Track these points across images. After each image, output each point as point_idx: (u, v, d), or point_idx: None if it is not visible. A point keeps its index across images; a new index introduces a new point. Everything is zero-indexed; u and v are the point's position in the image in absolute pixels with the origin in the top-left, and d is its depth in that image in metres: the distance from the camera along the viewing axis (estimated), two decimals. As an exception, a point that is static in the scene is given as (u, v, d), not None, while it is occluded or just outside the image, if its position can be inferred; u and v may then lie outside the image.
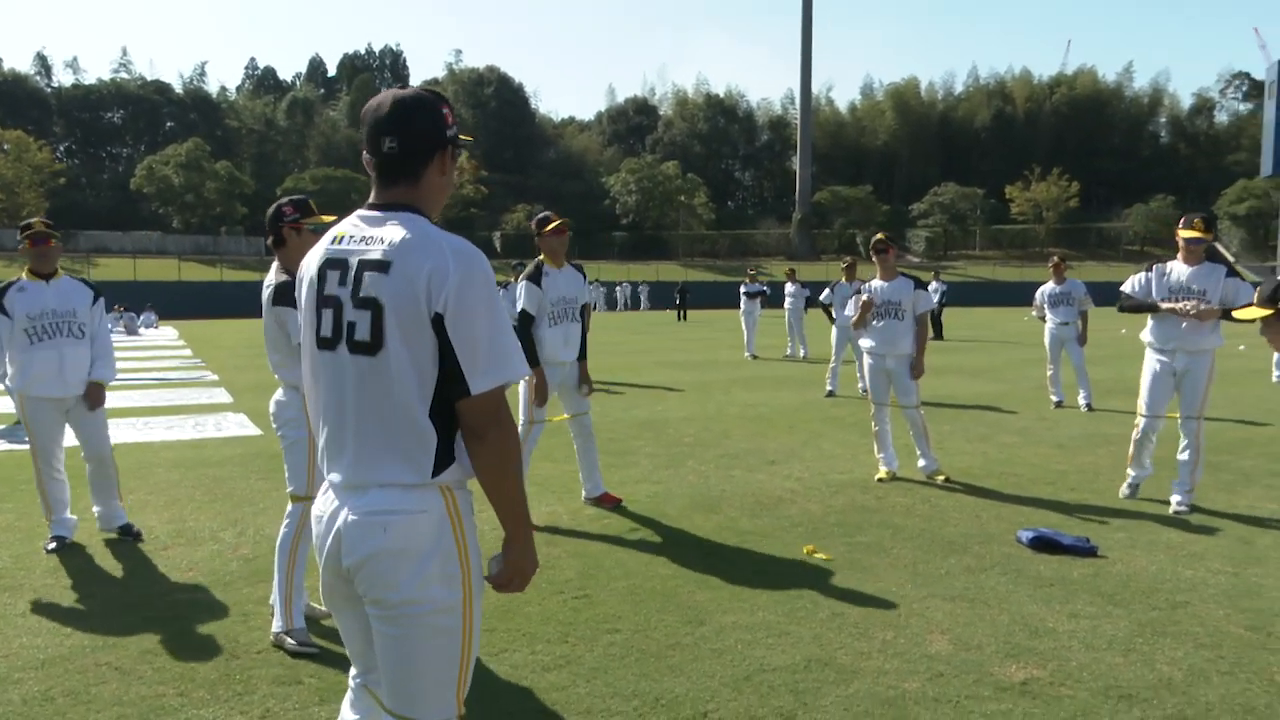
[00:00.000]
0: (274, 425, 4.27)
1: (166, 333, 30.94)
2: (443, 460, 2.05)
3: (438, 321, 1.98)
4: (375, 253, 2.05)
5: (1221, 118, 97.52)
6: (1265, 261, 65.97)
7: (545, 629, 4.26)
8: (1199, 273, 6.52)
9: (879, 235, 7.68)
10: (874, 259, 7.57)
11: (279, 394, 4.25)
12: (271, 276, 4.12)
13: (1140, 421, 6.79)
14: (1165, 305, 6.52)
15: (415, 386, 2.02)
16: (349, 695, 2.40)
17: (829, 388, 12.79)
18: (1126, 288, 6.93)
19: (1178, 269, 6.64)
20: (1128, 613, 4.42)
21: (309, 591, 4.59)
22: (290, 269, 4.13)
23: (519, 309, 6.29)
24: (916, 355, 7.39)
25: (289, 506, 4.24)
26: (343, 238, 2.14)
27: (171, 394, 13.41)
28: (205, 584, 4.93)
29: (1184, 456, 6.51)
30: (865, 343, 7.62)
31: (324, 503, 2.17)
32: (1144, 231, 79.44)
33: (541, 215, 6.49)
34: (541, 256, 6.42)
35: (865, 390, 8.81)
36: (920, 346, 7.42)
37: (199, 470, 7.89)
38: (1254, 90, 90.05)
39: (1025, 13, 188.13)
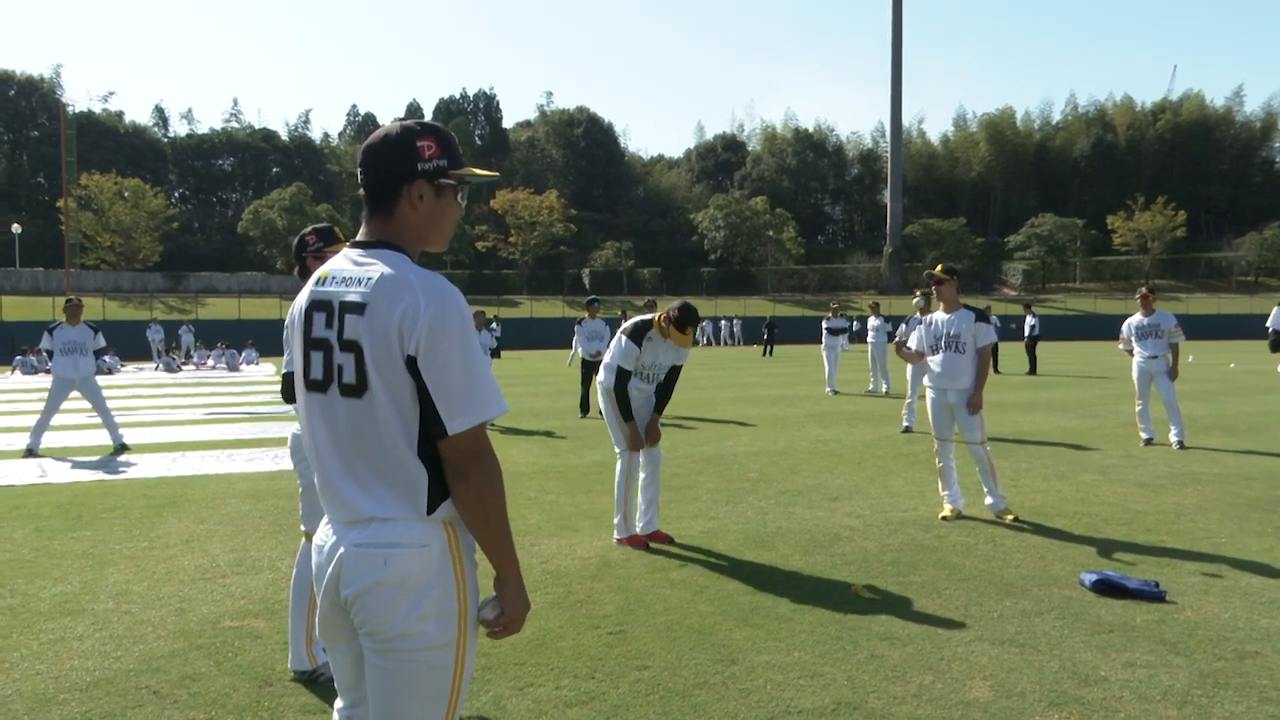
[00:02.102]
0: (292, 461, 4.29)
1: (266, 369, 32.11)
2: (436, 497, 2.06)
3: (411, 363, 1.99)
4: (354, 295, 2.06)
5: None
6: (1392, 291, 62.15)
7: (575, 664, 4.22)
8: None
9: (936, 267, 7.46)
10: (933, 290, 7.39)
11: (296, 428, 4.24)
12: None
13: None
14: None
15: (400, 427, 2.03)
16: None
17: (905, 423, 12.52)
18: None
19: None
20: (1189, 662, 4.16)
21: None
22: None
23: (615, 364, 6.43)
24: (975, 389, 7.12)
25: (303, 544, 4.24)
26: (326, 278, 2.15)
27: (259, 427, 13.88)
28: (256, 611, 5.05)
29: None
30: (926, 378, 7.41)
31: (324, 534, 2.18)
32: (1257, 261, 75.85)
33: (687, 311, 6.35)
34: (654, 317, 6.49)
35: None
36: (980, 381, 7.15)
37: (269, 501, 8.12)
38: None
39: (1126, 39, 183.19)
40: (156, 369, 31.44)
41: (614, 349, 6.51)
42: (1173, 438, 10.86)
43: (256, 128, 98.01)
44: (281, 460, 10.50)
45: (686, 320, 6.34)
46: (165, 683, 4.06)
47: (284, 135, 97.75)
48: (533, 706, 3.79)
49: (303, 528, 4.25)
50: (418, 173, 2.12)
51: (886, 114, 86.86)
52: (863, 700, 3.80)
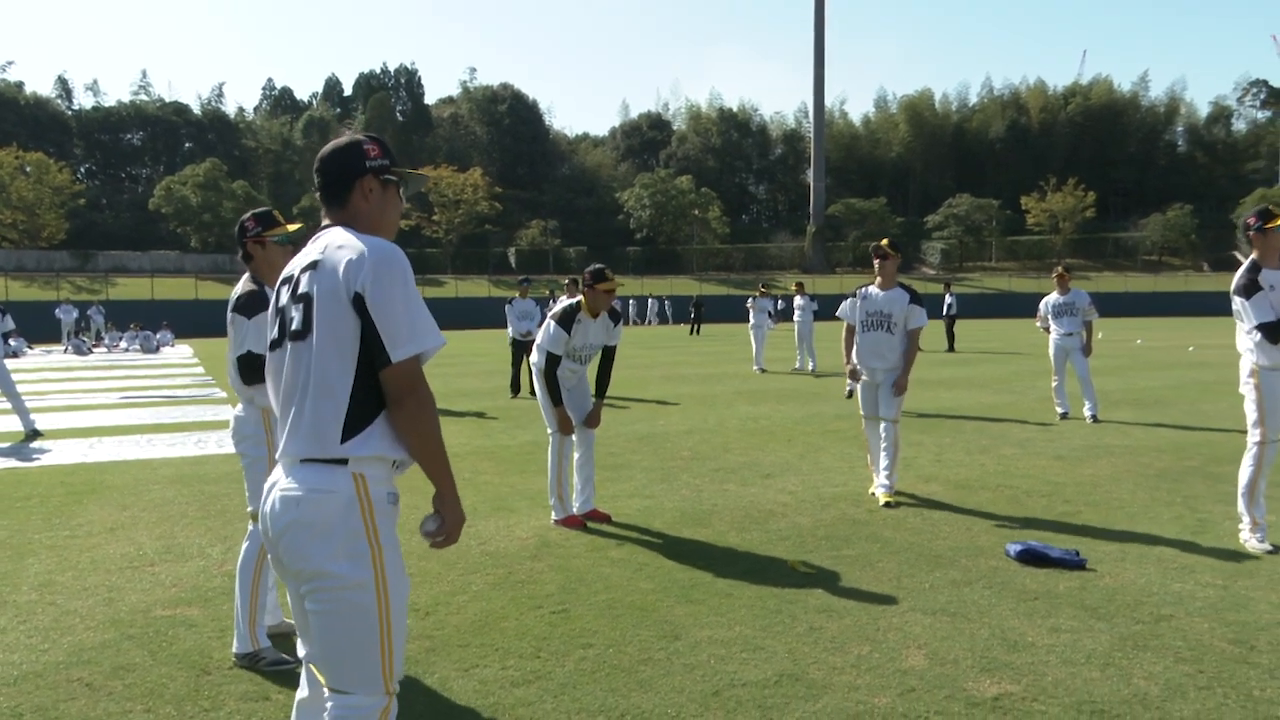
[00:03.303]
0: (233, 442, 4.25)
1: (181, 351, 31.19)
2: (350, 430, 2.30)
3: (358, 301, 2.28)
4: (313, 256, 2.41)
5: (1239, 126, 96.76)
6: (1285, 270, 65.23)
7: (519, 644, 4.24)
8: None
9: (882, 241, 7.35)
10: (875, 264, 7.30)
11: (238, 409, 4.22)
12: (239, 287, 4.16)
13: (1268, 448, 5.76)
14: None
15: (335, 363, 2.31)
16: (304, 670, 2.59)
17: (850, 387, 12.77)
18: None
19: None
20: (1110, 626, 4.36)
21: (284, 608, 4.60)
22: (264, 281, 4.19)
23: (544, 348, 6.41)
24: (903, 371, 7.07)
25: (249, 527, 4.20)
26: (294, 262, 2.50)
27: (178, 411, 13.50)
28: (188, 600, 4.95)
29: None
30: (855, 354, 7.32)
31: (273, 474, 2.46)
32: (1161, 241, 78.86)
33: (596, 269, 6.44)
34: (580, 300, 6.47)
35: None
36: (908, 362, 7.09)
37: (195, 487, 7.92)
38: (1272, 98, 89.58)
39: (1039, 24, 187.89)
40: (66, 351, 30.26)
41: (543, 333, 6.50)
42: (1086, 412, 11.29)
43: (167, 101, 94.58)
44: (205, 445, 10.25)
45: (599, 275, 6.36)
46: (98, 674, 3.95)
47: (196, 109, 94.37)
48: (479, 687, 3.79)
49: (249, 509, 4.21)
50: (366, 169, 2.50)
51: (809, 95, 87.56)
52: (804, 671, 3.90)
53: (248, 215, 4.29)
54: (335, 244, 2.37)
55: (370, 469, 2.33)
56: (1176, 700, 3.58)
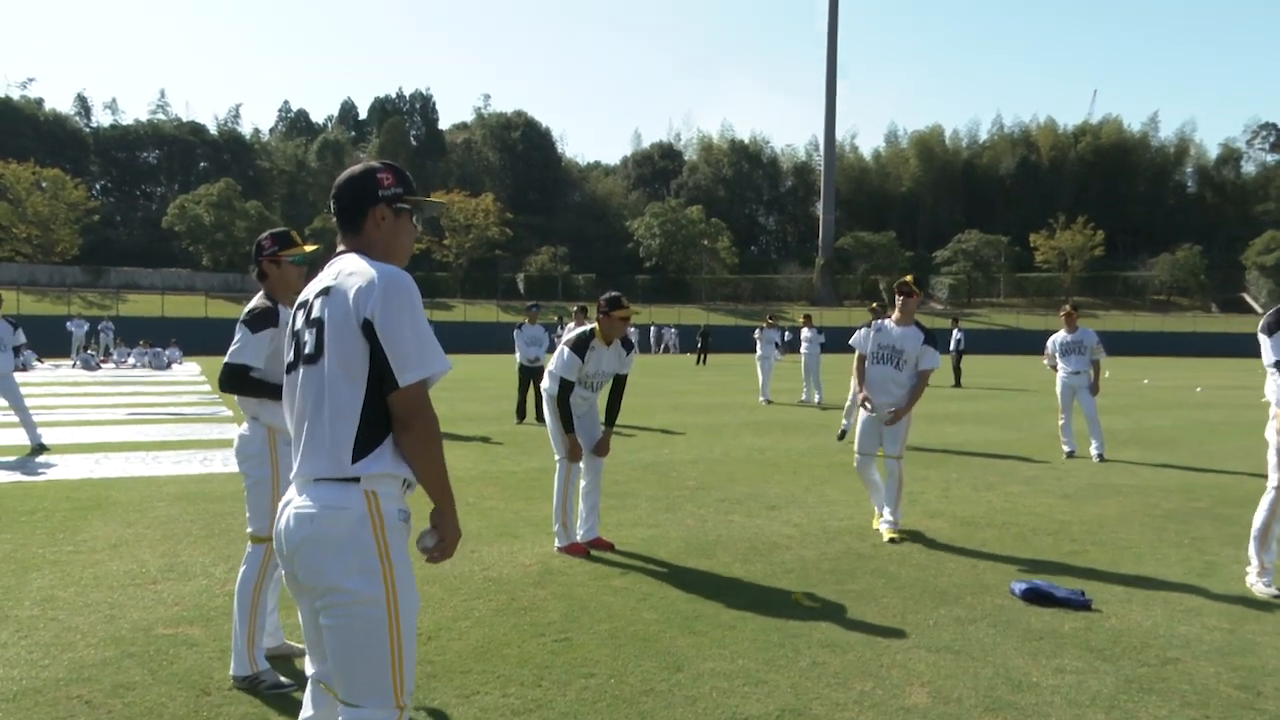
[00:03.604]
0: (237, 461, 4.25)
1: (190, 368, 31.29)
2: (361, 450, 2.36)
3: (367, 326, 2.34)
4: (325, 283, 2.49)
5: (1249, 168, 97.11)
6: (1294, 313, 65.09)
7: (521, 672, 4.22)
8: None
9: (906, 277, 7.30)
10: (896, 299, 7.20)
11: (243, 428, 4.22)
12: (253, 302, 4.22)
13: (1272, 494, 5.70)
14: None
15: (345, 386, 2.37)
16: (309, 690, 2.64)
17: (845, 424, 12.72)
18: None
19: None
20: (1115, 668, 4.33)
21: (285, 629, 4.59)
22: (278, 299, 4.23)
23: (557, 375, 6.42)
24: (907, 405, 7.03)
25: (249, 548, 4.18)
26: (309, 287, 2.57)
27: (184, 428, 13.52)
28: (190, 619, 4.94)
29: None
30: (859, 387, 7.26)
31: (287, 494, 2.51)
32: (1170, 280, 78.83)
33: (612, 296, 6.52)
34: (594, 327, 6.50)
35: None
36: (913, 399, 7.06)
37: (200, 505, 7.93)
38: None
39: (1050, 63, 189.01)
40: (74, 366, 30.39)
41: (556, 359, 6.52)
42: (1093, 450, 11.25)
43: (184, 120, 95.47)
44: (210, 463, 10.26)
45: (615, 302, 6.41)
46: (97, 692, 3.94)
47: (213, 129, 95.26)
48: (479, 715, 3.77)
49: (249, 530, 4.19)
50: (379, 198, 2.56)
51: (820, 128, 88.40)
52: (806, 707, 3.87)
53: (266, 234, 4.34)
54: (347, 270, 2.44)
55: (382, 486, 2.40)
56: (1182, 745, 3.55)
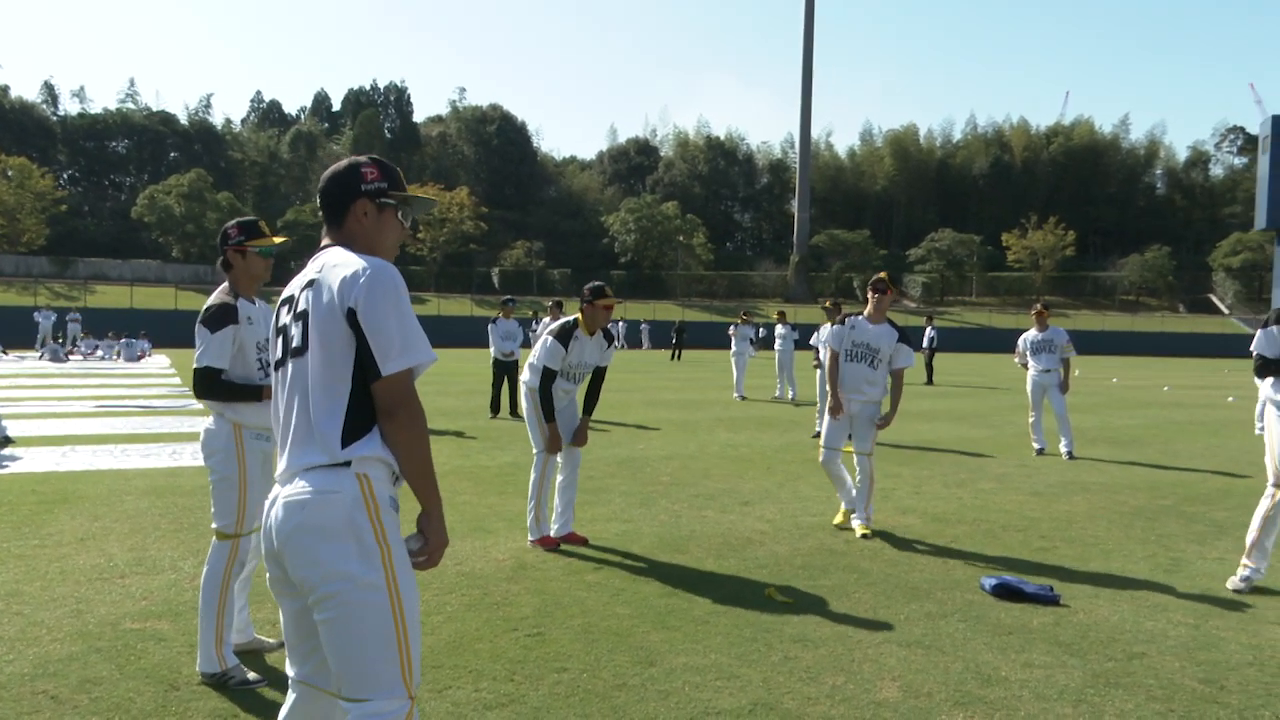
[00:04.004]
0: (203, 455, 4.18)
1: (159, 360, 30.92)
2: (350, 435, 2.33)
3: (351, 316, 2.31)
4: (310, 275, 2.46)
5: (1217, 171, 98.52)
6: (1258, 314, 66.19)
7: (493, 666, 4.21)
8: None
9: (881, 274, 7.24)
10: (871, 297, 7.15)
11: (209, 422, 4.15)
12: (212, 299, 4.13)
13: (1275, 493, 5.63)
14: None
15: (330, 375, 2.34)
16: (290, 697, 2.54)
17: (819, 428, 12.79)
18: (1266, 348, 5.75)
19: None
20: (1083, 663, 4.38)
21: (255, 624, 4.56)
22: (240, 291, 4.15)
23: (540, 364, 6.40)
24: (892, 410, 7.04)
25: (214, 543, 4.12)
26: (293, 281, 2.54)
27: (153, 421, 13.37)
28: (158, 613, 4.88)
29: None
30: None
31: (271, 493, 2.44)
32: (1139, 281, 79.86)
33: (596, 285, 6.54)
34: (577, 318, 6.49)
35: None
36: (895, 403, 7.06)
37: (169, 499, 7.84)
38: (1249, 144, 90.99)
39: (1024, 63, 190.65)
40: (41, 358, 29.95)
41: (539, 349, 6.49)
42: (1063, 448, 11.37)
43: (154, 110, 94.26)
44: (179, 456, 10.15)
45: (599, 291, 6.44)
46: (64, 687, 3.89)
47: (183, 119, 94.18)
48: (452, 709, 3.76)
49: (214, 525, 4.14)
50: (360, 192, 2.54)
51: (796, 126, 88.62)
52: (778, 701, 3.89)
53: (232, 223, 4.23)
54: (332, 263, 2.42)
55: (373, 470, 2.35)
56: (1148, 738, 3.60)
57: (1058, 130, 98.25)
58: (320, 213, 2.59)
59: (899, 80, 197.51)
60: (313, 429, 2.34)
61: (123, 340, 31.77)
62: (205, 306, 4.07)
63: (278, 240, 4.19)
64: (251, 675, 4.00)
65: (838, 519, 7.26)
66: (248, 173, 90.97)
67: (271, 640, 4.46)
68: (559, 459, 6.65)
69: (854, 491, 7.17)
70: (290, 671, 2.51)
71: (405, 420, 2.34)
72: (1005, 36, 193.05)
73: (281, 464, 2.41)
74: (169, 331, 40.87)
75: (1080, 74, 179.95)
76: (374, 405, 2.35)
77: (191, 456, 10.14)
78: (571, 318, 6.56)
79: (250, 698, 3.85)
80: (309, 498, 2.30)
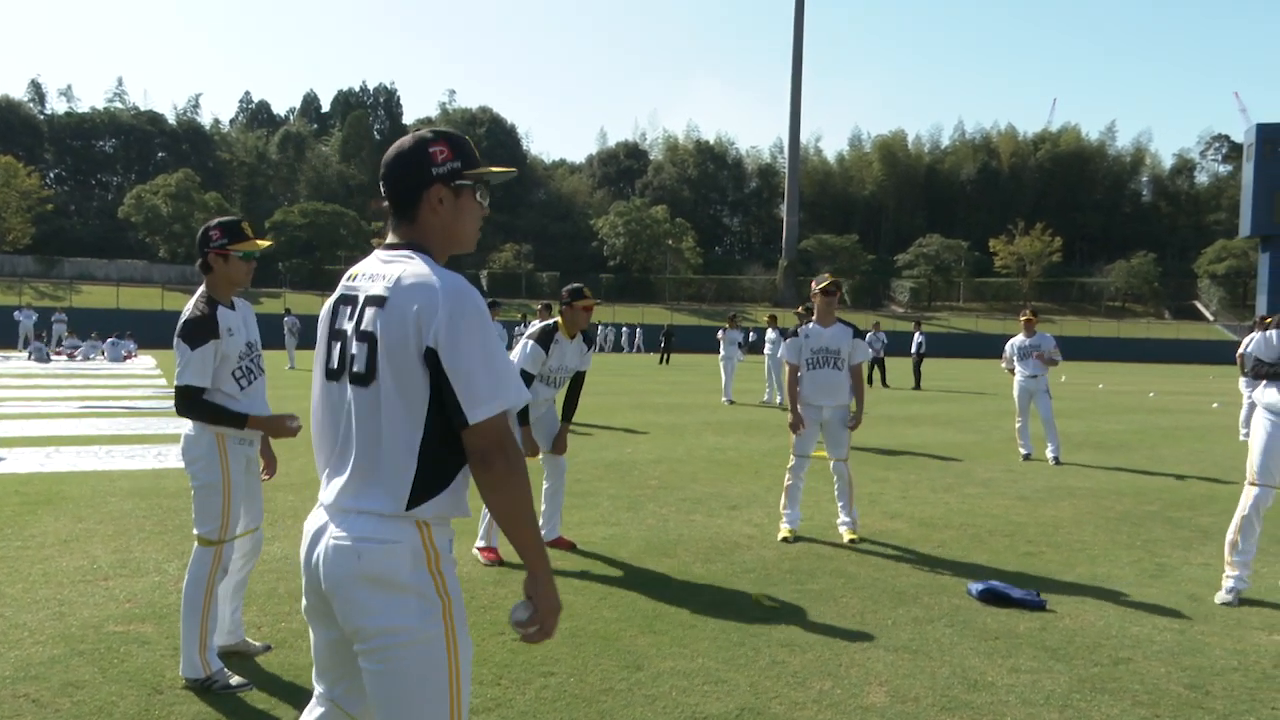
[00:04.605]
0: (183, 463, 4.09)
1: (144, 361, 30.74)
2: (420, 493, 2.08)
3: (431, 355, 2.04)
4: (378, 289, 2.14)
5: (1202, 178, 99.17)
6: (1243, 320, 66.68)
7: (480, 670, 4.19)
8: None
9: (830, 278, 7.18)
10: (820, 300, 7.09)
11: (189, 428, 4.04)
12: (189, 307, 4.01)
13: (1253, 491, 5.67)
14: None
15: (403, 418, 2.08)
16: (317, 711, 2.33)
17: None
18: (1255, 351, 5.76)
19: None
20: (1069, 668, 4.40)
21: (243, 625, 4.52)
22: (217, 297, 4.03)
23: (519, 367, 6.33)
24: (857, 407, 7.07)
25: (195, 549, 4.04)
26: (357, 275, 2.25)
27: (139, 423, 13.28)
28: (142, 616, 4.85)
29: None
30: (800, 390, 7.13)
31: (314, 519, 2.22)
32: (1125, 287, 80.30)
33: (576, 288, 6.50)
34: (557, 320, 6.46)
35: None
36: (860, 400, 7.09)
37: (154, 500, 7.79)
38: (1233, 152, 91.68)
39: (1011, 70, 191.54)
40: (29, 358, 29.73)
41: (519, 353, 6.44)
42: (1049, 453, 11.42)
43: (142, 109, 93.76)
44: (165, 458, 10.08)
45: (578, 293, 6.41)
46: (45, 690, 3.86)
47: (171, 119, 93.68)
48: (438, 713, 3.74)
49: (196, 532, 4.05)
50: (433, 178, 2.21)
51: (785, 130, 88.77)
52: (765, 706, 3.88)
53: (214, 223, 4.08)
54: (407, 280, 2.11)
55: (437, 517, 2.14)
56: (1133, 744, 3.61)
57: (1045, 137, 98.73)
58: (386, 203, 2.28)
59: (888, 86, 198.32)
60: (380, 472, 2.09)
61: (108, 341, 31.55)
62: (183, 319, 3.94)
63: (262, 244, 4.08)
64: (235, 680, 3.97)
65: (783, 533, 7.01)
66: (236, 173, 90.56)
67: (258, 644, 4.43)
68: (544, 467, 6.60)
69: (799, 514, 7.12)
70: (318, 688, 2.34)
71: (503, 468, 2.05)
72: (993, 43, 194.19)
73: (329, 494, 2.18)
74: (155, 332, 40.63)
75: (1067, 81, 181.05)
76: (450, 455, 2.11)
77: (176, 458, 9.98)
78: (552, 321, 6.52)
79: (234, 702, 3.82)
80: (366, 547, 2.08)
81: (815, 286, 7.18)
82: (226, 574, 4.13)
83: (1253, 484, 5.66)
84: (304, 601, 2.27)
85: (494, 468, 2.04)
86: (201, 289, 4.07)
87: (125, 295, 52.26)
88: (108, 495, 7.98)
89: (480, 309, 2.08)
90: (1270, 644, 4.83)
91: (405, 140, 2.26)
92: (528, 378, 6.34)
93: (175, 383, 3.94)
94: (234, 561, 4.20)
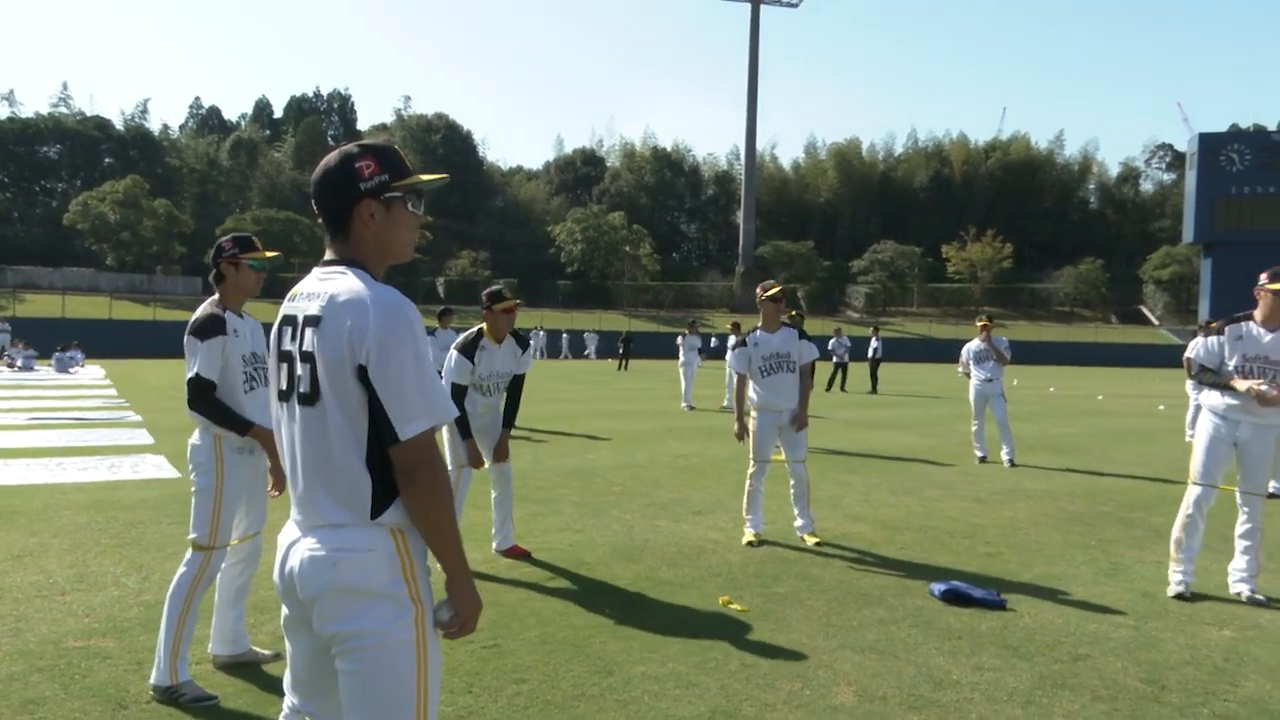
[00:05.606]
0: (189, 468, 4.22)
1: (93, 372, 30.10)
2: (380, 503, 2.14)
3: (362, 373, 2.09)
4: (314, 309, 2.18)
5: (1147, 186, 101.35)
6: (1186, 325, 68.31)
7: (451, 679, 4.18)
8: None
9: (776, 285, 7.24)
10: (767, 307, 7.16)
11: (195, 435, 4.21)
12: (199, 310, 4.19)
13: (1195, 491, 5.84)
14: (1241, 385, 5.55)
15: (348, 435, 2.13)
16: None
17: None
18: (1204, 358, 5.85)
19: (1257, 334, 5.69)
20: (1031, 665, 4.49)
21: (248, 634, 4.47)
22: (228, 304, 4.22)
23: (448, 381, 6.22)
24: (802, 407, 7.15)
25: (188, 553, 4.12)
26: (297, 295, 2.28)
27: (90, 434, 13.02)
28: (102, 630, 4.77)
29: (1246, 529, 5.81)
30: (754, 396, 7.21)
31: (287, 533, 2.27)
32: (1074, 293, 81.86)
33: (494, 290, 6.42)
34: (483, 327, 6.37)
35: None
36: (805, 399, 7.20)
37: (109, 513, 7.65)
38: (1176, 161, 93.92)
39: (963, 80, 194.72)
40: (-32, 369, 28.95)
41: (446, 366, 6.31)
42: (1004, 456, 11.62)
43: (88, 115, 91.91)
44: (119, 470, 9.89)
45: (497, 296, 6.34)
46: (5, 709, 3.78)
47: (119, 124, 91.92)
48: (410, 722, 3.72)
49: (191, 535, 4.11)
50: (361, 193, 2.22)
51: (742, 138, 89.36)
52: (736, 708, 3.92)
53: (226, 237, 4.32)
54: (339, 298, 2.14)
55: (407, 524, 2.19)
56: (1094, 738, 3.70)
57: (995, 145, 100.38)
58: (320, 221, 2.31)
59: (843, 94, 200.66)
60: (338, 487, 2.15)
61: (54, 355, 30.69)
62: (193, 319, 4.14)
63: (269, 254, 4.30)
64: (202, 692, 3.92)
65: (747, 537, 7.07)
66: (186, 180, 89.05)
67: (267, 652, 4.42)
68: (491, 475, 6.57)
69: (762, 518, 7.20)
70: (292, 700, 2.37)
71: (427, 483, 2.11)
72: (944, 52, 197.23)
73: (297, 510, 2.24)
74: (103, 342, 39.86)
75: (1017, 91, 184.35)
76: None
77: (131, 470, 9.90)
78: (475, 328, 6.42)
79: (202, 715, 3.77)
80: (342, 556, 2.13)
81: (761, 293, 7.23)
82: (212, 583, 4.16)
83: (1195, 484, 5.85)
84: (283, 613, 2.30)
85: (419, 482, 2.11)
86: (213, 298, 4.25)
87: (71, 304, 51.08)
88: (60, 508, 7.82)
89: (412, 324, 2.11)
90: (1220, 638, 4.97)
91: (331, 157, 2.27)
92: (461, 390, 6.24)
93: (186, 376, 4.08)
94: (232, 567, 4.28)
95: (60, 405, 17.57)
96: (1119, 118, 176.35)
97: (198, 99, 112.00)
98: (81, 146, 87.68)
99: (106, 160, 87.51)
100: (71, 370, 29.92)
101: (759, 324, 7.27)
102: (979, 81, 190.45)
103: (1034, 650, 4.71)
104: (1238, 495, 5.84)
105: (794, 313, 12.67)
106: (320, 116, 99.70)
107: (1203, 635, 5.02)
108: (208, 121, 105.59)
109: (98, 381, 25.09)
